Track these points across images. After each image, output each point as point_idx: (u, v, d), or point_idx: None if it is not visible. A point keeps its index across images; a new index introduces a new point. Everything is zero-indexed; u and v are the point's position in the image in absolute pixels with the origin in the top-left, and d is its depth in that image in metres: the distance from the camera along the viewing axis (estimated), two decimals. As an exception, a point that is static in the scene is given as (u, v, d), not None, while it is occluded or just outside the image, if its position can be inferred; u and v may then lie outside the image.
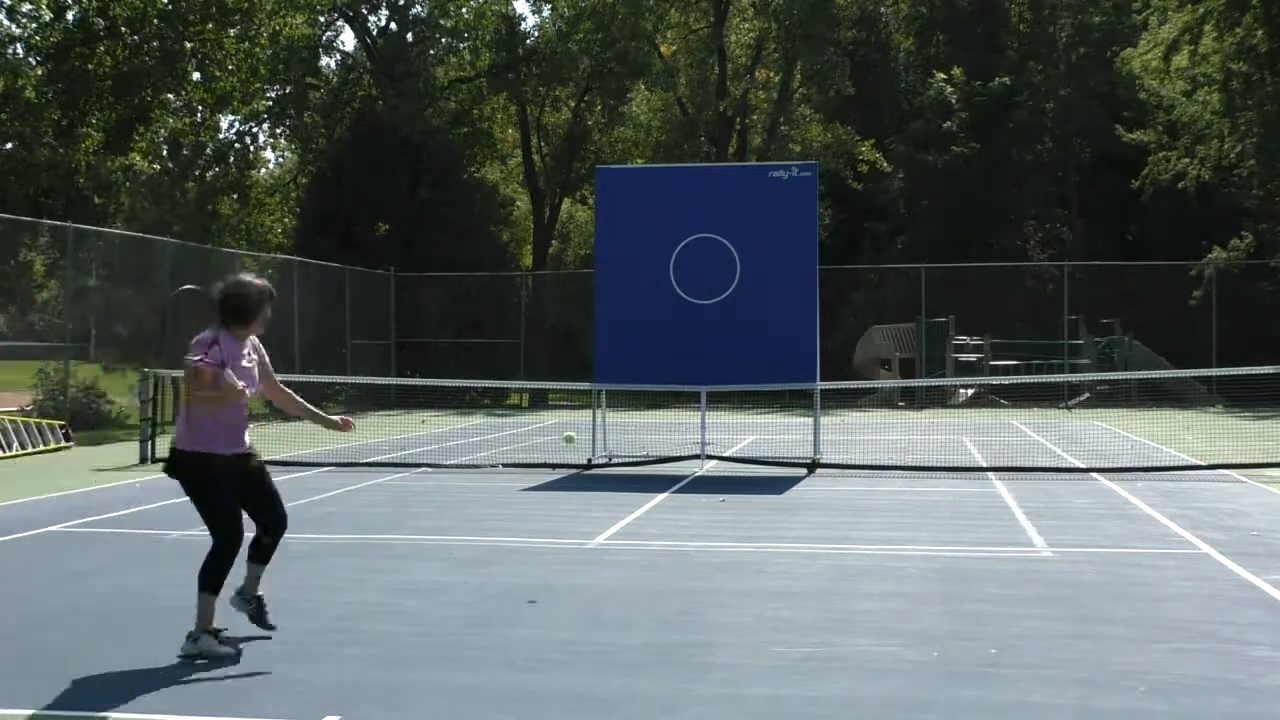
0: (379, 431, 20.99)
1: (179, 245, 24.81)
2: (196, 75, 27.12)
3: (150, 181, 26.68)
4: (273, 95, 34.38)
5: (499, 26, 36.74)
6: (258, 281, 6.17)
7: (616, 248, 15.26)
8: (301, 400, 6.62)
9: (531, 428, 22.70)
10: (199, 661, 5.80)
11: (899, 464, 14.91)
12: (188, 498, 6.12)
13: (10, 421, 17.33)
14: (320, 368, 27.92)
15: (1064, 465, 14.87)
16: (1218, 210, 31.22)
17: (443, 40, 36.88)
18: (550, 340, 34.97)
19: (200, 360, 5.81)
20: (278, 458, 15.95)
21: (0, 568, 8.39)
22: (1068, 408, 27.04)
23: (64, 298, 22.62)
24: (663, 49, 38.43)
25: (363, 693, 5.38)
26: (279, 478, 13.83)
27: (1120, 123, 32.43)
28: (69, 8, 25.29)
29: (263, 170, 42.46)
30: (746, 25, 37.68)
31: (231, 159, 30.67)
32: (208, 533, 6.10)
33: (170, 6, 25.28)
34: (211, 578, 5.97)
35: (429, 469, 14.86)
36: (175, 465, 6.04)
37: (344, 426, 6.64)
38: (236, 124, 33.22)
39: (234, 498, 6.08)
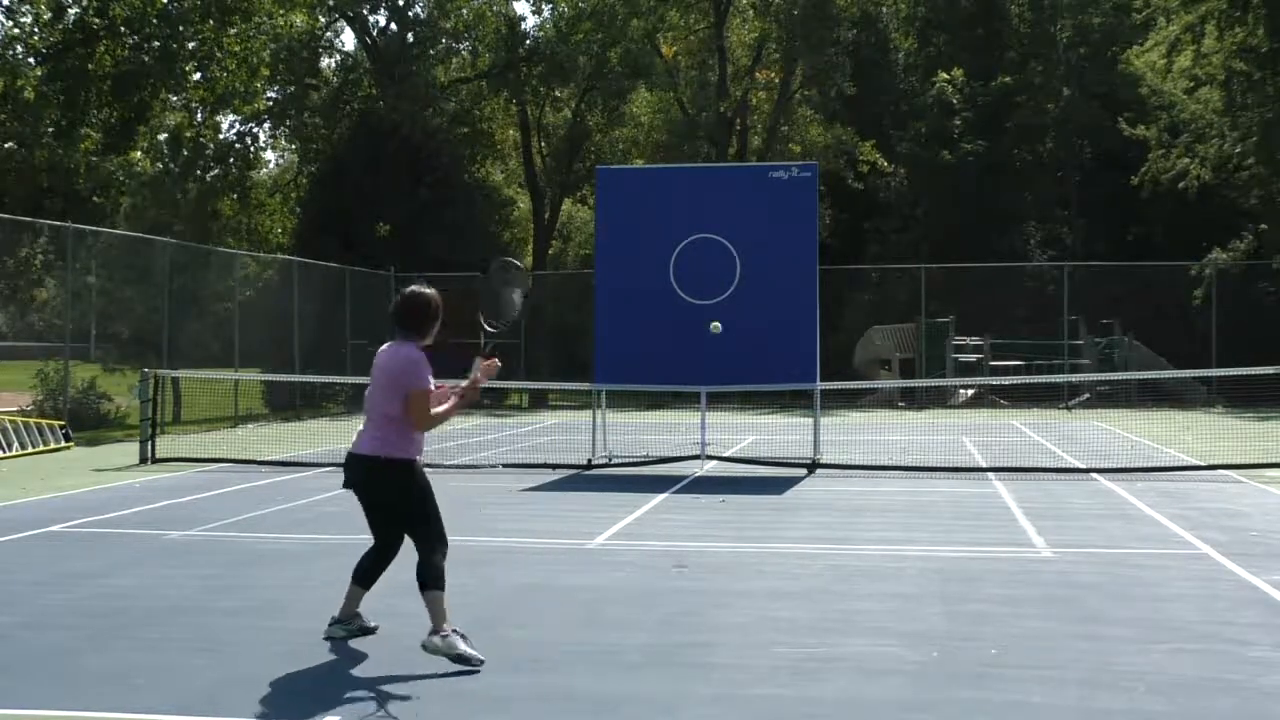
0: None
1: (179, 245, 24.80)
2: (197, 75, 27.09)
3: (150, 181, 26.65)
4: (273, 95, 34.36)
5: (499, 26, 36.73)
6: (430, 290, 6.19)
7: (616, 248, 15.25)
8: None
9: (531, 428, 22.70)
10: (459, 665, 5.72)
11: (899, 464, 14.91)
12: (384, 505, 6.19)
13: (10, 421, 17.33)
14: (320, 368, 27.92)
15: (1064, 465, 14.87)
16: (1218, 210, 31.19)
17: (443, 40, 36.86)
18: (550, 340, 34.96)
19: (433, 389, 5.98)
20: (277, 458, 15.98)
21: (0, 568, 8.39)
22: (1068, 408, 27.04)
23: (64, 298, 22.61)
24: (663, 49, 38.42)
25: (363, 693, 5.38)
26: (279, 478, 13.88)
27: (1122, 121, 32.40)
28: (68, 7, 25.26)
29: (263, 170, 42.44)
30: (746, 26, 37.66)
31: (232, 159, 30.64)
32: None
33: (170, 6, 25.25)
34: (439, 575, 5.97)
35: (428, 469, 14.83)
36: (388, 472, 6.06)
37: (484, 371, 6.24)
38: (237, 124, 33.22)
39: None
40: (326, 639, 6.23)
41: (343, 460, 6.24)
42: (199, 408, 24.47)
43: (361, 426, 6.18)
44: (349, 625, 6.31)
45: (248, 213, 31.56)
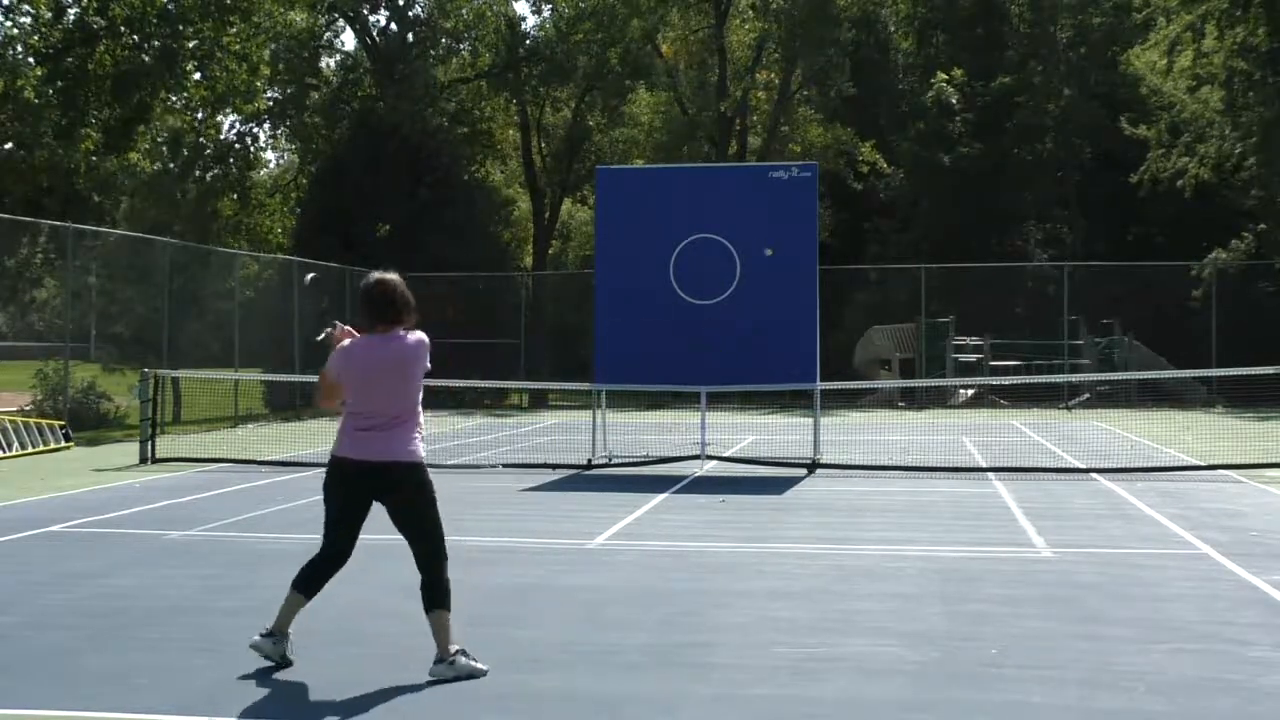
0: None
1: (179, 245, 24.80)
2: (197, 75, 27.10)
3: (150, 181, 26.65)
4: (273, 95, 34.37)
5: (499, 26, 36.73)
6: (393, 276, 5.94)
7: (616, 248, 15.25)
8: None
9: (532, 428, 22.70)
10: (454, 682, 5.49)
11: (899, 464, 14.91)
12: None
13: (10, 421, 17.33)
14: (320, 368, 27.91)
15: (1064, 465, 14.87)
16: (1218, 210, 31.19)
17: (443, 40, 36.86)
18: (550, 340, 34.95)
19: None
20: (277, 458, 15.98)
21: (0, 568, 8.39)
22: (1068, 408, 27.04)
23: (64, 298, 22.61)
24: (663, 49, 38.42)
25: (363, 692, 5.38)
26: (279, 478, 13.87)
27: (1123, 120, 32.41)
28: (68, 7, 25.26)
29: (263, 170, 42.44)
30: (746, 26, 37.66)
31: (231, 159, 30.63)
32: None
33: (170, 6, 25.25)
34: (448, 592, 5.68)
35: (428, 469, 14.82)
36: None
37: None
38: (237, 124, 33.24)
39: (340, 508, 5.86)
40: (251, 648, 5.74)
41: (339, 463, 6.00)
42: (199, 408, 24.48)
43: (360, 426, 5.86)
44: (280, 643, 5.74)
45: (248, 213, 31.53)
